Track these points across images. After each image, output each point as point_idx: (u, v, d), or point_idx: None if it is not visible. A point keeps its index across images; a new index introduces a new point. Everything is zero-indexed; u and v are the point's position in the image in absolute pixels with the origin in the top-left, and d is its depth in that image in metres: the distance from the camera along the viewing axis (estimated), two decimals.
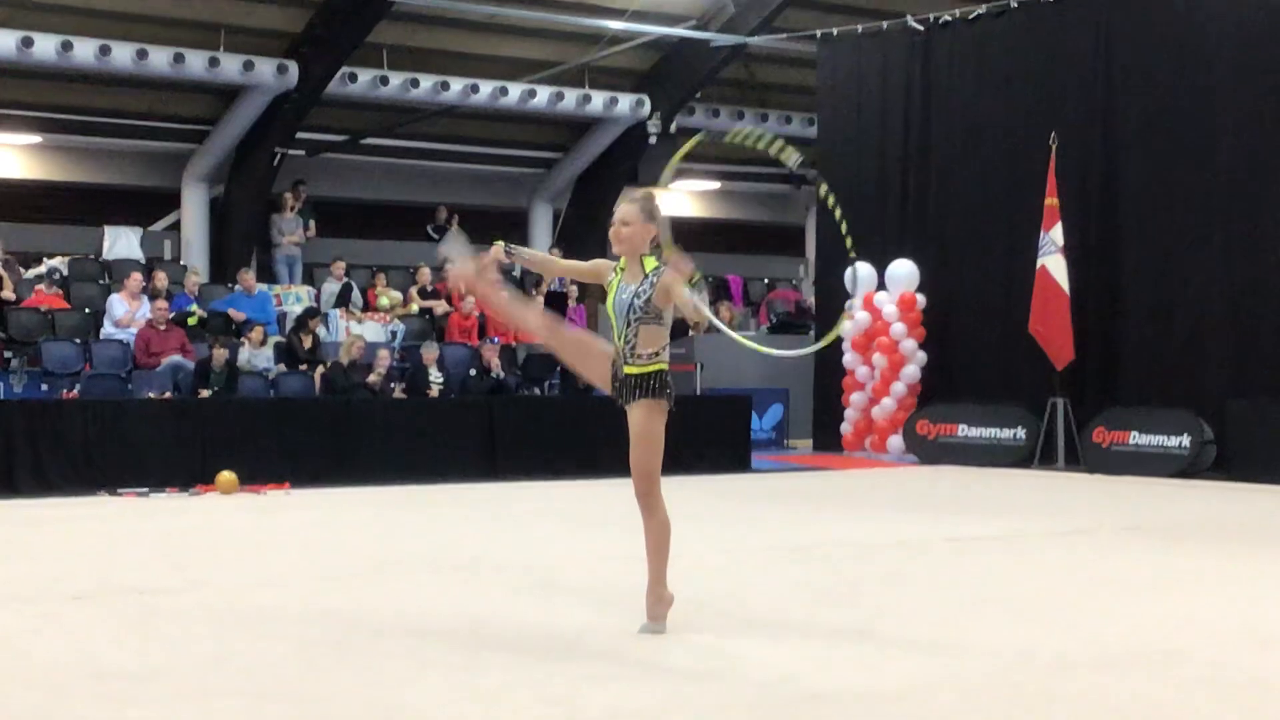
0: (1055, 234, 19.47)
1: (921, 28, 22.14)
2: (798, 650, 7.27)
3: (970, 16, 21.71)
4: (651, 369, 7.48)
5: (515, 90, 25.06)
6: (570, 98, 25.66)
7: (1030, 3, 21.29)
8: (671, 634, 7.55)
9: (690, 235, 30.68)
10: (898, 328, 21.26)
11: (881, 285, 21.59)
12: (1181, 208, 19.29)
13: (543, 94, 25.35)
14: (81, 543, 11.74)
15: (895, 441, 21.19)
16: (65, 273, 22.44)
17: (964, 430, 20.53)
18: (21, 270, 21.63)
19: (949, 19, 21.92)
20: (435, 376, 20.03)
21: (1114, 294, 19.91)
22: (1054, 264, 19.46)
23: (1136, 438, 18.76)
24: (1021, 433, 20.04)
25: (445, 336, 22.77)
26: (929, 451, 20.60)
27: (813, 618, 8.21)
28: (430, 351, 20.44)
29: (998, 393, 20.53)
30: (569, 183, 27.90)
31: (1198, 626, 8.10)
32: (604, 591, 9.02)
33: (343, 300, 23.27)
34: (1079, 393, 19.72)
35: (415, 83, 24.26)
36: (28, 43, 21.21)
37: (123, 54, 21.94)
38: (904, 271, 21.44)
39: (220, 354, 18.83)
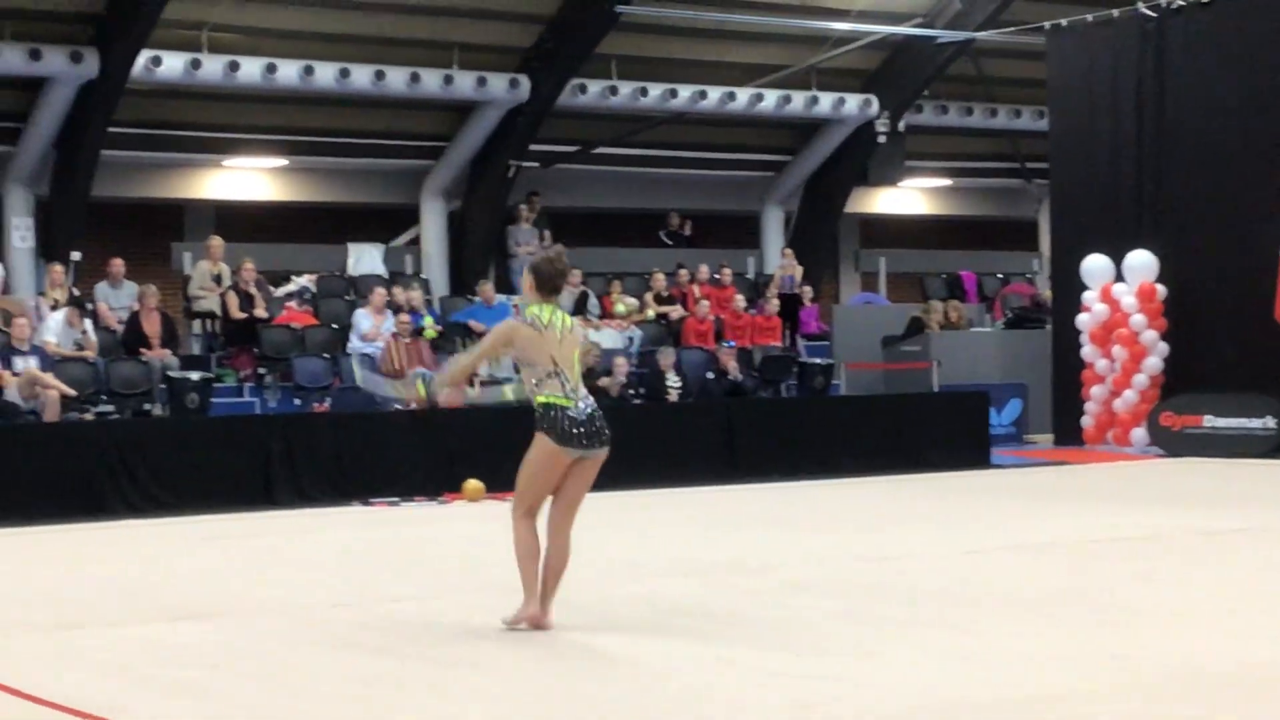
0: None
1: (1154, 14, 21.73)
2: (1044, 643, 7.28)
3: (1205, 0, 21.25)
4: (536, 400, 8.32)
5: (743, 95, 25.18)
6: (798, 100, 25.68)
7: None
8: (912, 630, 7.60)
9: (922, 232, 30.58)
10: (1137, 319, 20.92)
11: (1119, 277, 21.26)
12: None
13: (770, 98, 25.43)
14: (335, 552, 12.13)
15: (1138, 434, 20.84)
16: (314, 290, 23.12)
17: (1210, 421, 20.11)
18: (272, 289, 22.36)
19: (1182, 3, 21.47)
20: (673, 381, 20.25)
21: None
22: None
23: None
24: (1271, 422, 19.57)
25: (681, 341, 22.97)
26: (1174, 443, 20.22)
27: (1054, 614, 8.19)
28: (667, 357, 20.67)
29: (1244, 382, 20.04)
30: (799, 185, 27.88)
31: None
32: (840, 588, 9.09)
33: (579, 308, 23.59)
34: None
35: (644, 91, 24.53)
36: (272, 69, 21.96)
37: (361, 76, 22.58)
38: (1142, 262, 21.09)
39: None
